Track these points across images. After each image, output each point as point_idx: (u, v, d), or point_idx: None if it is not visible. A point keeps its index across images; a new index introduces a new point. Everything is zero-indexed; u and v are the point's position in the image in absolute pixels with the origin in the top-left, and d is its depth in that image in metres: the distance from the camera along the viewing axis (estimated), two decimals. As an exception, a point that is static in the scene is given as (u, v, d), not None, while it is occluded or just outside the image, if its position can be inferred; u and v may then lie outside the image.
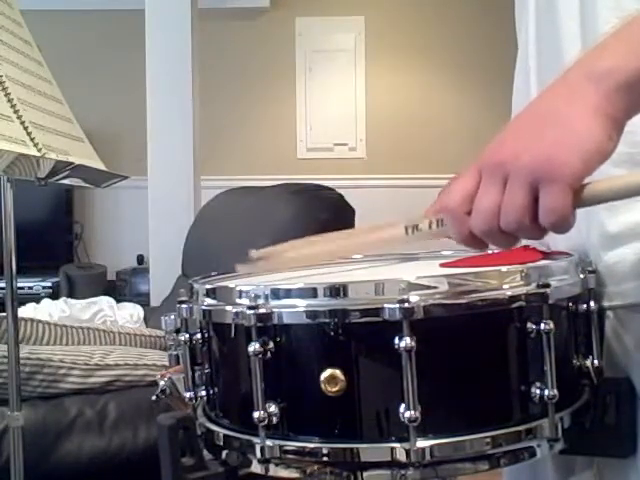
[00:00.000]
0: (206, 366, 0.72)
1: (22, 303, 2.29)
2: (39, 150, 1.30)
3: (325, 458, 0.62)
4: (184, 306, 0.72)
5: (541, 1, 0.80)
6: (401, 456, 0.60)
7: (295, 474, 0.64)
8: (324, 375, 0.61)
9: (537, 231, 0.59)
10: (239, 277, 0.84)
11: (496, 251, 0.79)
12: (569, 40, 0.75)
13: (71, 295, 3.29)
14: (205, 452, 0.70)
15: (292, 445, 0.63)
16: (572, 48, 0.74)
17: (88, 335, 2.00)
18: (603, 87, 0.56)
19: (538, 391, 0.62)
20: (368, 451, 0.61)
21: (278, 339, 0.63)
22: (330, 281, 0.63)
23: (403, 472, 0.60)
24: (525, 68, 0.85)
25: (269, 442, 0.63)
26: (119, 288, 3.79)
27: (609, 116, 0.56)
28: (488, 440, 0.61)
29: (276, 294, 0.64)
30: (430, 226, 0.67)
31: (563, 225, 0.58)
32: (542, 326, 0.62)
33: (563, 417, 0.64)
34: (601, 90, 0.56)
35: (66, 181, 1.53)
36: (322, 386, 0.61)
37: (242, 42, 4.21)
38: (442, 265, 0.74)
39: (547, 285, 0.62)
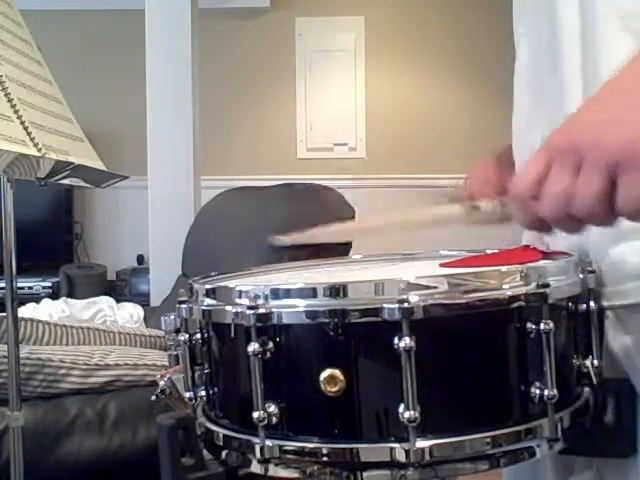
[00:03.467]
0: (206, 366, 0.72)
1: (22, 303, 2.29)
2: (39, 150, 1.30)
3: (325, 458, 0.62)
4: (184, 306, 0.72)
5: None
6: (400, 456, 0.60)
7: (295, 474, 0.64)
8: (324, 375, 0.61)
9: (610, 218, 0.56)
10: (239, 277, 0.84)
11: (495, 251, 0.79)
12: (568, 38, 0.75)
13: (71, 295, 3.29)
14: (205, 452, 0.70)
15: (292, 445, 0.63)
16: (571, 45, 0.74)
17: (88, 335, 2.00)
18: None
19: (538, 391, 0.62)
20: (368, 451, 0.61)
21: (278, 339, 0.63)
22: (330, 281, 0.63)
23: (403, 472, 0.60)
24: (526, 65, 0.85)
25: (269, 442, 0.63)
26: (119, 288, 3.78)
27: None
28: (488, 440, 0.61)
29: (276, 294, 0.64)
30: (493, 207, 0.65)
31: None
32: (542, 326, 0.62)
33: (563, 417, 0.64)
34: None
35: (66, 181, 1.53)
36: (322, 386, 0.61)
37: (242, 42, 4.21)
38: (442, 265, 0.74)
39: (547, 285, 0.62)
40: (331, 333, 0.62)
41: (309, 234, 0.80)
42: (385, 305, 0.59)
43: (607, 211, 0.55)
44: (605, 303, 0.71)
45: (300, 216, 2.16)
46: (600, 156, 0.54)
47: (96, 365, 1.71)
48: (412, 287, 0.60)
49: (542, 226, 0.60)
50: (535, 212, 0.59)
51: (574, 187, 0.56)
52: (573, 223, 0.58)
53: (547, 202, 0.58)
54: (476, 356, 0.63)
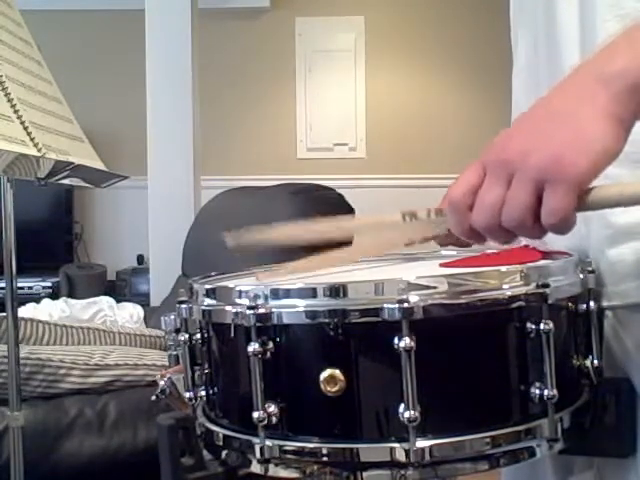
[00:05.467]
0: (206, 366, 0.72)
1: (22, 303, 2.29)
2: (39, 150, 1.30)
3: (325, 458, 0.62)
4: (184, 306, 0.72)
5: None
6: (401, 456, 0.60)
7: (295, 474, 0.64)
8: (323, 375, 0.61)
9: (537, 231, 0.59)
10: (239, 277, 0.84)
11: (495, 251, 0.79)
12: (567, 38, 0.75)
13: (71, 295, 3.29)
14: (205, 452, 0.70)
15: (292, 445, 0.63)
16: (570, 45, 0.74)
17: (88, 335, 2.00)
18: (613, 88, 0.56)
19: (538, 391, 0.62)
20: (368, 451, 0.61)
21: (278, 339, 0.63)
22: (330, 281, 0.63)
23: (403, 472, 0.60)
24: (524, 65, 0.85)
25: (269, 442, 0.63)
26: (119, 288, 3.79)
27: (617, 117, 0.56)
28: (488, 440, 0.61)
29: (276, 294, 0.64)
30: (429, 215, 0.67)
31: (563, 227, 0.58)
32: (542, 326, 0.62)
33: (563, 417, 0.64)
34: (611, 91, 0.56)
35: (66, 181, 1.53)
36: (322, 386, 0.61)
37: (242, 42, 4.21)
38: (442, 265, 0.74)
39: (546, 285, 0.62)
40: (331, 333, 0.62)
41: (258, 234, 0.80)
42: (385, 305, 0.59)
43: (534, 223, 0.58)
44: (605, 303, 0.71)
45: (300, 216, 2.16)
46: (528, 171, 0.57)
47: (96, 365, 1.71)
48: (412, 287, 0.60)
49: (475, 236, 0.63)
50: (468, 222, 0.62)
51: (504, 198, 0.59)
52: (504, 234, 0.61)
53: (479, 212, 0.61)
54: (476, 356, 0.63)
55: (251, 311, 0.62)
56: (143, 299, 3.13)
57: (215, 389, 0.71)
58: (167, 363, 0.80)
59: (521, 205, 0.58)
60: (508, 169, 0.59)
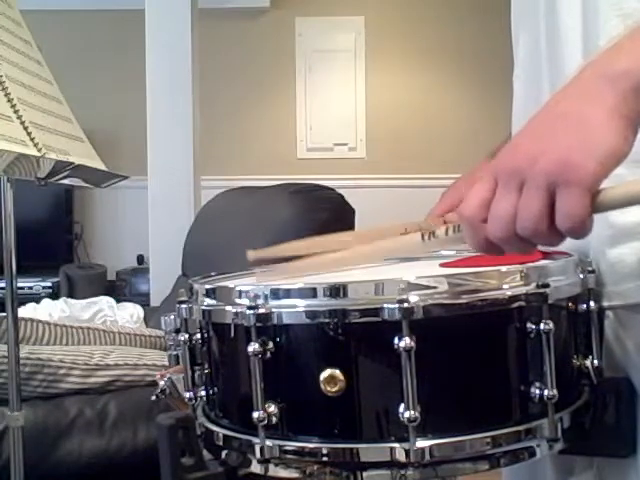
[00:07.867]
0: (206, 366, 0.72)
1: (22, 303, 2.29)
2: (39, 150, 1.30)
3: (325, 458, 0.62)
4: (184, 306, 0.72)
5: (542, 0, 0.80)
6: (401, 456, 0.60)
7: (295, 474, 0.64)
8: (323, 375, 0.61)
9: (554, 236, 0.58)
10: (239, 277, 0.84)
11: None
12: (569, 39, 0.75)
13: (71, 295, 3.29)
14: (205, 452, 0.70)
15: (292, 445, 0.63)
16: (572, 46, 0.74)
17: (88, 335, 2.00)
18: (619, 88, 0.55)
19: (538, 391, 0.62)
20: (368, 451, 0.61)
21: (278, 339, 0.63)
22: (330, 281, 0.63)
23: (403, 472, 0.60)
24: (525, 66, 0.85)
25: (269, 442, 0.63)
26: (119, 288, 3.78)
27: (625, 117, 0.55)
28: (488, 440, 0.61)
29: (276, 294, 0.64)
30: (447, 232, 0.66)
31: (580, 230, 0.56)
32: (542, 326, 0.62)
33: (563, 417, 0.64)
34: (617, 91, 0.55)
35: (66, 181, 1.53)
36: (322, 386, 0.61)
37: (242, 42, 4.21)
38: (442, 265, 0.74)
39: (547, 285, 0.62)
40: (331, 333, 0.62)
41: (277, 249, 0.82)
42: (385, 305, 0.59)
43: (550, 229, 0.57)
44: (605, 303, 0.71)
45: (300, 216, 2.16)
46: (538, 177, 0.56)
47: (96, 365, 1.71)
48: (412, 287, 0.60)
49: (493, 248, 0.61)
50: (484, 234, 0.60)
51: (517, 207, 0.58)
52: (521, 243, 0.59)
53: (493, 223, 0.59)
54: (476, 356, 0.63)
55: (251, 311, 0.63)
56: (143, 299, 3.13)
57: (215, 389, 0.71)
58: (167, 363, 0.80)
59: (534, 212, 0.56)
60: (518, 177, 0.57)
